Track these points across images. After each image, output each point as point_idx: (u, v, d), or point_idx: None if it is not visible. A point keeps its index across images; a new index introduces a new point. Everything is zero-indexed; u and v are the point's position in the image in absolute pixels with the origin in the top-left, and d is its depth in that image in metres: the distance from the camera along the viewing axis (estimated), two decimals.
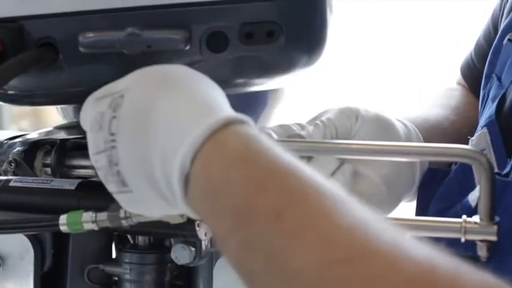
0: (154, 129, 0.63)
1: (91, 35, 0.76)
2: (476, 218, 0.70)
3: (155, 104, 0.64)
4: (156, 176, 0.63)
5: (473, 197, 0.79)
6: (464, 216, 0.70)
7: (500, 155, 0.84)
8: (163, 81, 0.66)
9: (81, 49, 0.77)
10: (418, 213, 0.92)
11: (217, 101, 0.64)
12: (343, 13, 0.91)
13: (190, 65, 0.78)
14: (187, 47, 0.75)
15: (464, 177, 0.83)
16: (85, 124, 0.72)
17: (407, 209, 0.93)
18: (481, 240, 0.70)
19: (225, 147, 0.59)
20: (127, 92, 0.66)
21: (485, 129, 0.86)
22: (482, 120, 0.90)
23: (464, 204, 0.82)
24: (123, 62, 0.77)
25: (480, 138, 0.87)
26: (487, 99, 0.93)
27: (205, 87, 0.66)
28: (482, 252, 0.70)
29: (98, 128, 0.67)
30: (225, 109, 0.63)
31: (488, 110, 0.90)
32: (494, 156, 0.84)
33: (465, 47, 1.15)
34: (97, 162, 0.68)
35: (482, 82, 0.96)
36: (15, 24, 0.79)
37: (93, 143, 0.68)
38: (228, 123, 0.60)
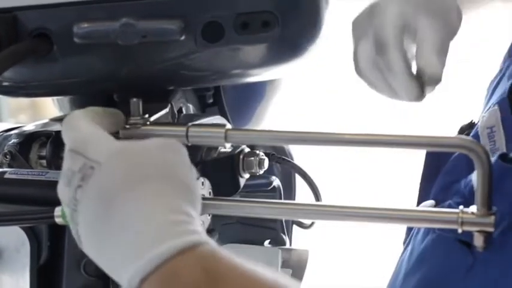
0: (110, 226, 0.62)
1: (85, 25, 0.76)
2: (473, 208, 0.69)
3: (119, 198, 0.62)
4: (110, 266, 0.63)
5: (475, 177, 0.78)
6: (461, 207, 0.70)
7: (510, 134, 0.82)
8: (136, 174, 0.62)
9: (76, 40, 0.76)
10: (423, 188, 0.90)
11: (181, 219, 0.61)
12: (344, 13, 0.90)
13: (186, 55, 0.77)
14: (183, 37, 0.75)
15: None
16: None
17: (403, 200, 0.93)
18: (478, 231, 0.69)
19: (177, 278, 0.57)
20: (98, 167, 0.63)
21: (496, 106, 0.84)
22: (495, 97, 0.87)
23: (468, 183, 0.81)
24: (118, 53, 0.77)
25: (491, 115, 0.85)
26: (502, 76, 0.90)
27: (177, 192, 0.63)
28: (478, 242, 0.69)
29: (67, 182, 0.66)
30: (185, 230, 0.60)
31: (502, 87, 0.87)
32: (504, 134, 0.82)
33: (464, 47, 1.14)
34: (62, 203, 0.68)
35: (504, 57, 0.94)
36: (9, 15, 0.79)
37: (61, 191, 0.67)
38: (183, 250, 0.58)
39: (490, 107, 0.86)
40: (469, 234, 0.73)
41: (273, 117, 1.08)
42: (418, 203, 0.89)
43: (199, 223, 0.62)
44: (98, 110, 0.72)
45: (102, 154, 0.64)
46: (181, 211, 0.61)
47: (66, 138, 0.69)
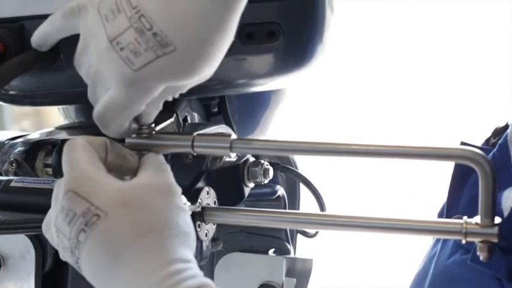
0: (114, 277, 0.65)
1: None
2: (477, 219, 0.69)
3: (123, 252, 0.65)
4: None
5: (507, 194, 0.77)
6: (465, 217, 0.70)
7: None
8: (138, 228, 0.66)
9: None
10: (450, 200, 0.88)
11: (180, 268, 0.64)
12: (345, 13, 0.91)
13: None
14: None
15: (501, 163, 0.80)
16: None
17: (407, 210, 0.92)
18: (482, 241, 0.69)
19: None
20: (104, 217, 0.66)
21: None
22: None
23: (498, 199, 0.79)
24: None
25: None
26: None
27: (175, 240, 0.66)
28: (482, 253, 0.70)
29: (68, 221, 0.67)
30: (183, 278, 0.63)
31: None
32: None
33: (463, 48, 1.14)
34: (57, 236, 0.69)
35: None
36: (16, 25, 0.79)
37: (61, 226, 0.68)
38: None
39: None
40: (503, 269, 0.73)
41: (279, 126, 1.08)
42: (447, 216, 0.88)
43: (196, 265, 0.66)
44: (90, 139, 0.73)
45: (107, 204, 0.67)
46: (179, 259, 0.65)
47: (65, 174, 0.70)
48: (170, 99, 0.74)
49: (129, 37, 0.68)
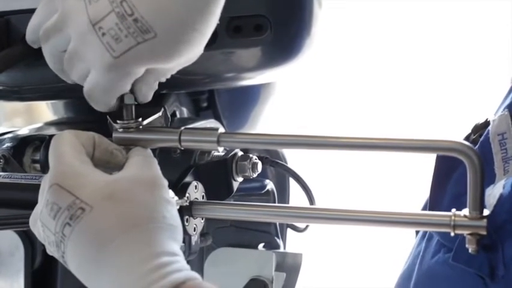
0: (99, 271, 0.65)
1: None
2: (465, 211, 0.69)
3: (108, 245, 0.65)
4: None
5: (489, 191, 0.77)
6: (453, 210, 0.70)
7: None
8: (124, 222, 0.65)
9: None
10: (433, 197, 0.87)
11: (165, 261, 0.64)
12: (340, 13, 0.90)
13: None
14: None
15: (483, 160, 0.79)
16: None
17: (396, 203, 0.92)
18: (471, 234, 0.69)
19: None
20: (89, 211, 0.65)
21: (506, 112, 0.83)
22: (508, 100, 0.85)
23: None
24: None
25: (501, 120, 0.83)
26: None
27: (161, 234, 0.66)
28: (471, 245, 0.69)
29: (53, 215, 0.67)
30: (169, 271, 0.63)
31: None
32: None
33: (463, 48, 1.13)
34: (43, 231, 0.69)
35: None
36: (2, 19, 0.79)
37: (46, 220, 0.68)
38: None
39: (500, 111, 0.85)
40: (485, 268, 0.74)
41: (270, 121, 1.08)
42: (432, 198, 0.87)
43: (183, 258, 0.65)
44: (77, 134, 0.72)
45: (92, 197, 0.66)
46: (165, 252, 0.64)
47: (51, 167, 0.70)
48: (163, 80, 0.74)
49: (110, 22, 0.68)
